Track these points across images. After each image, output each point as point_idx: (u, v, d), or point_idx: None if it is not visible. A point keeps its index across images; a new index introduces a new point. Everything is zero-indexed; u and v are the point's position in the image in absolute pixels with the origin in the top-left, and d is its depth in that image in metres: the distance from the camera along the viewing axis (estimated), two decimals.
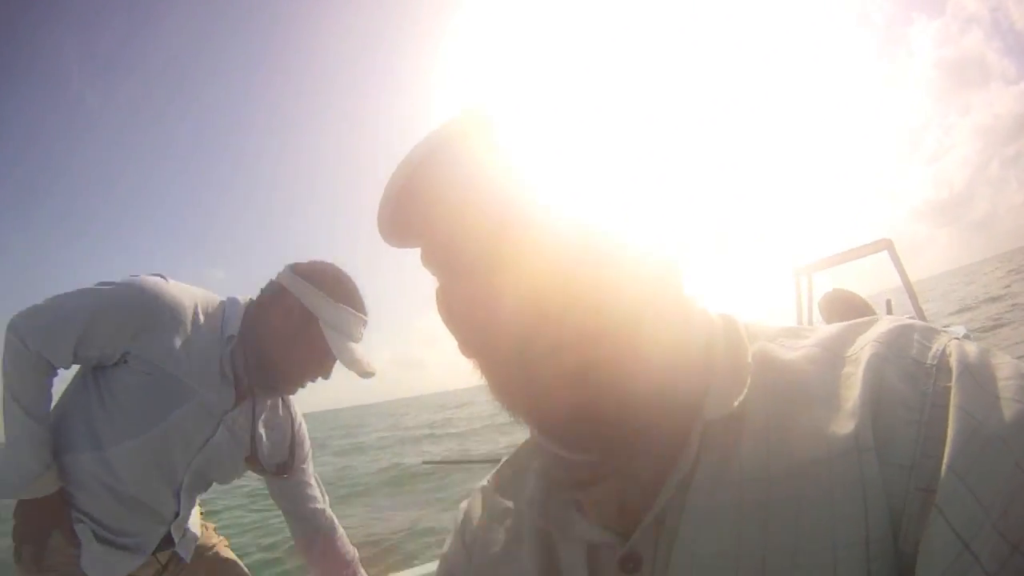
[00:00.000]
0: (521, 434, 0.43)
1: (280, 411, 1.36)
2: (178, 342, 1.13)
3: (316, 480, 1.44)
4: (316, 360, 1.21)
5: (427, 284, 0.44)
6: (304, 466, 1.40)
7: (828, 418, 0.34)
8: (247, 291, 1.29)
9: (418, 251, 0.44)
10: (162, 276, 1.16)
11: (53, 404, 1.16)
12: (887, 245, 3.78)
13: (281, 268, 1.26)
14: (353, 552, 1.44)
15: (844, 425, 0.33)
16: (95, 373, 1.15)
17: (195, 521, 1.35)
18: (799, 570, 0.32)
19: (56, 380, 1.15)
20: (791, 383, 0.37)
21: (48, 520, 1.11)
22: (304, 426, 1.42)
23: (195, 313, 1.17)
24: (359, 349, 1.22)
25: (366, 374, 1.19)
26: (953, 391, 0.32)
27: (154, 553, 1.24)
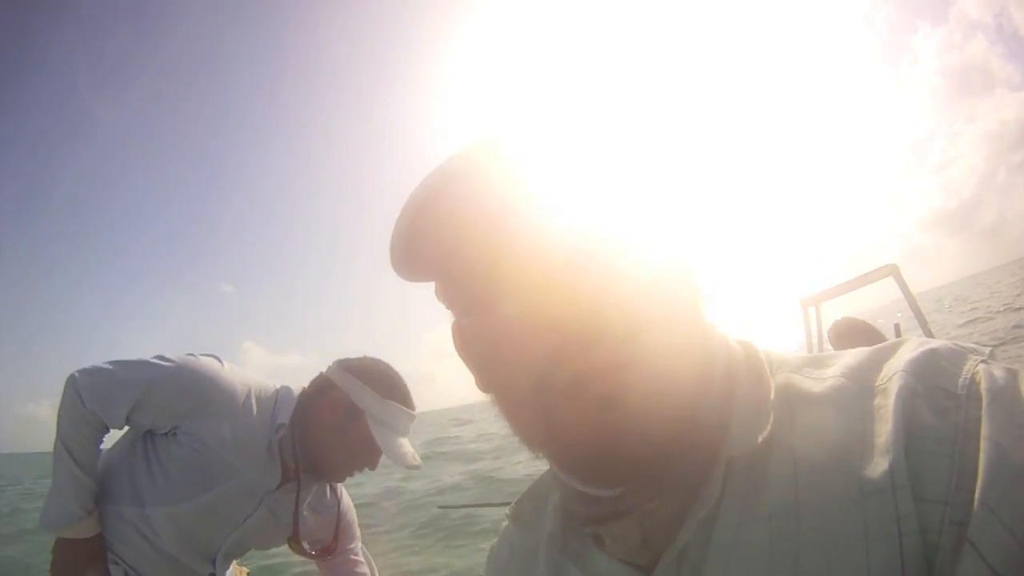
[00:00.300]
0: (523, 455, 0.42)
1: (328, 495, 1.39)
2: (227, 425, 1.17)
3: (366, 556, 1.46)
4: (363, 453, 1.24)
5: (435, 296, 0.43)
6: (351, 546, 1.43)
7: (861, 454, 0.33)
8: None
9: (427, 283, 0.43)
10: (218, 359, 1.22)
11: (104, 451, 1.22)
12: (893, 271, 3.79)
13: (330, 363, 1.31)
14: None
15: (878, 462, 0.32)
16: (145, 437, 1.21)
17: (231, 571, 1.38)
18: None
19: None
20: (819, 417, 0.36)
21: (84, 559, 1.15)
22: (353, 510, 1.45)
23: (247, 398, 1.21)
24: (406, 442, 1.25)
25: (412, 467, 1.23)
26: (983, 421, 0.31)
27: None
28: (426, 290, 0.43)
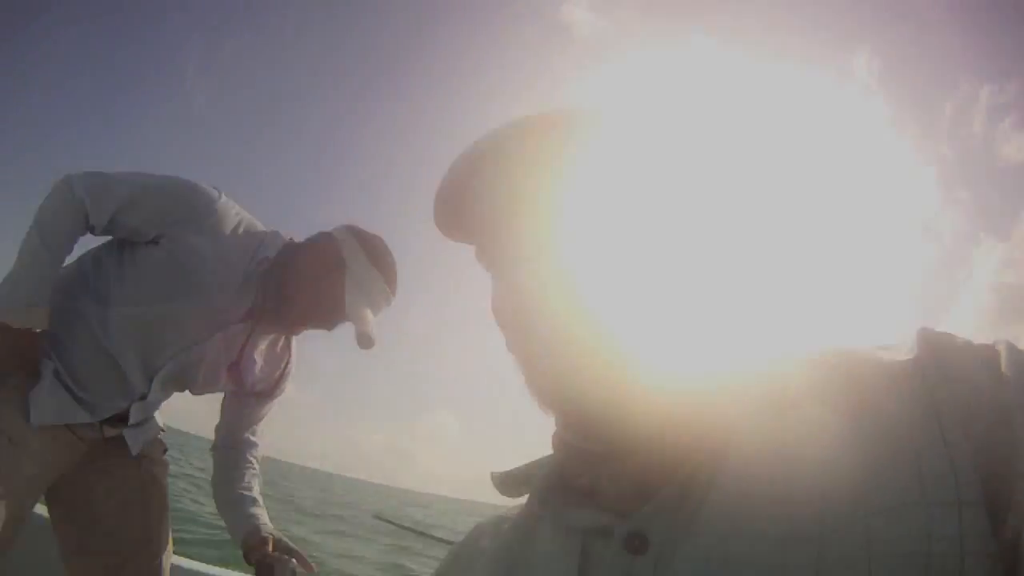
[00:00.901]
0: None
1: (279, 347, 1.37)
2: (208, 245, 1.17)
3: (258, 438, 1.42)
4: (327, 306, 1.20)
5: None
6: (271, 402, 1.40)
7: (899, 411, 0.30)
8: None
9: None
10: (217, 190, 1.22)
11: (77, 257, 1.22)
12: None
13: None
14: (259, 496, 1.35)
15: (923, 419, 0.29)
16: (122, 243, 1.21)
17: (156, 426, 1.32)
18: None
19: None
20: (855, 375, 0.33)
21: (18, 348, 1.10)
22: (293, 368, 1.42)
23: (235, 227, 1.21)
24: (371, 316, 1.20)
25: (365, 337, 1.15)
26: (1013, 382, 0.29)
27: (102, 423, 1.20)
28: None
